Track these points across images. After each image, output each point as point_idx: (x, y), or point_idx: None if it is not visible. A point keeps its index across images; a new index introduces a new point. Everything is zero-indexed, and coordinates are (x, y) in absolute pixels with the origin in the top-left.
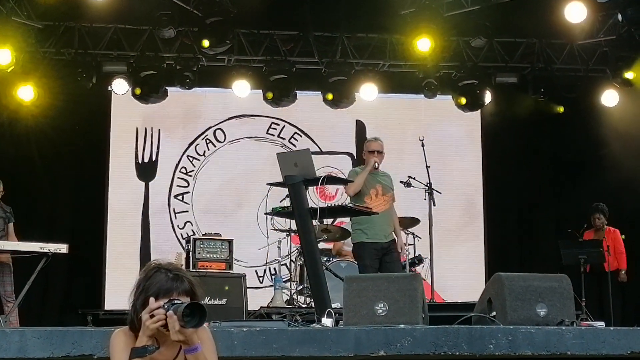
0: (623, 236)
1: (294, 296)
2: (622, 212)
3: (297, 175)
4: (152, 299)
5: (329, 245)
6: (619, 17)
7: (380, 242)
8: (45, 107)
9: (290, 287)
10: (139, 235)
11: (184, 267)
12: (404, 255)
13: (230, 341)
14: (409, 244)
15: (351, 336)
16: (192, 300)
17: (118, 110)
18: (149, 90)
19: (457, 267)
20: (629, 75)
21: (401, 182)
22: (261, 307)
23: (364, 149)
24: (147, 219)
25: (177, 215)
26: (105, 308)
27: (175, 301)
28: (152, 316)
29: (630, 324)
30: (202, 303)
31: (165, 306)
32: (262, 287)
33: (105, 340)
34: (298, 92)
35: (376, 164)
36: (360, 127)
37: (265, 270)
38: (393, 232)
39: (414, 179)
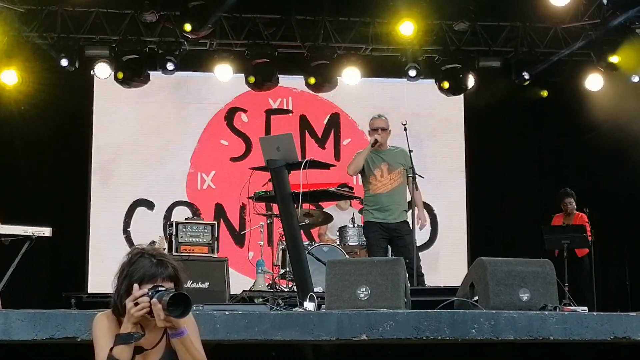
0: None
1: (276, 280)
2: (605, 196)
3: (279, 159)
4: (135, 286)
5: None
6: (604, 0)
7: (387, 222)
8: (28, 91)
9: (273, 270)
10: (122, 219)
11: (166, 250)
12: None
13: (213, 324)
14: None
15: (333, 320)
16: (176, 285)
17: (100, 94)
18: (131, 75)
19: (439, 252)
20: (614, 59)
21: None
22: (243, 290)
23: (369, 128)
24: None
25: None
26: (89, 291)
27: (160, 287)
28: (136, 304)
29: (611, 309)
30: (186, 293)
31: (150, 293)
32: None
33: (88, 323)
34: (280, 76)
35: (377, 142)
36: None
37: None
38: (406, 212)
39: None
